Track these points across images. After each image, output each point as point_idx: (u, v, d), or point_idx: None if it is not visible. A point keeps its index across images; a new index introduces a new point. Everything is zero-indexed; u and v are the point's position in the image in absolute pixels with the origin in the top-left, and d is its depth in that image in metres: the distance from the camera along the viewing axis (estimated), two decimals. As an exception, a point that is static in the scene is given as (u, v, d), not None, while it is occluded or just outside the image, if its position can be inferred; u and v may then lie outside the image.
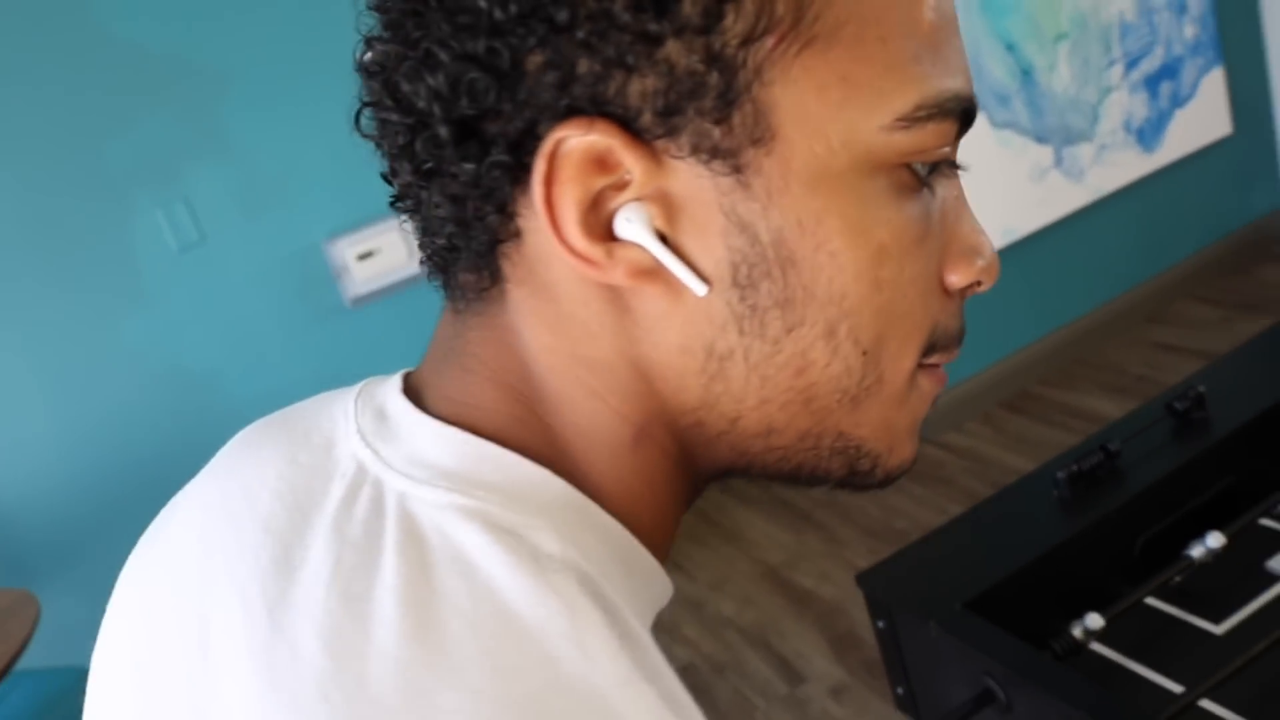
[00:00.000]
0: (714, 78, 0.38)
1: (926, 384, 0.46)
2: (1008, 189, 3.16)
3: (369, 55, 0.42)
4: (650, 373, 0.42)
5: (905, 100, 0.39)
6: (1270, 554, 1.04)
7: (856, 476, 0.47)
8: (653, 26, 0.37)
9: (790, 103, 0.38)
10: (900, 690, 1.16)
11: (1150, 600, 1.08)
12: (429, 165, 0.40)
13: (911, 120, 0.40)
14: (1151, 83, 3.36)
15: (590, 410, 0.43)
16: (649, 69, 0.37)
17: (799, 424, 0.44)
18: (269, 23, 2.39)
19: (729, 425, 0.44)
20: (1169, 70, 3.39)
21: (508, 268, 0.42)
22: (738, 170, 0.39)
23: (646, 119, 0.38)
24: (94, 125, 2.30)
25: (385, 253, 2.51)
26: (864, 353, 0.42)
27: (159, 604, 0.46)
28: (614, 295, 0.41)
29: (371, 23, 0.43)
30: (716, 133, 0.38)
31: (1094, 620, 0.98)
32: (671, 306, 0.41)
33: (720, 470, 0.47)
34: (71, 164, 2.29)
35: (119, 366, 2.35)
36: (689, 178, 0.39)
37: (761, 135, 0.39)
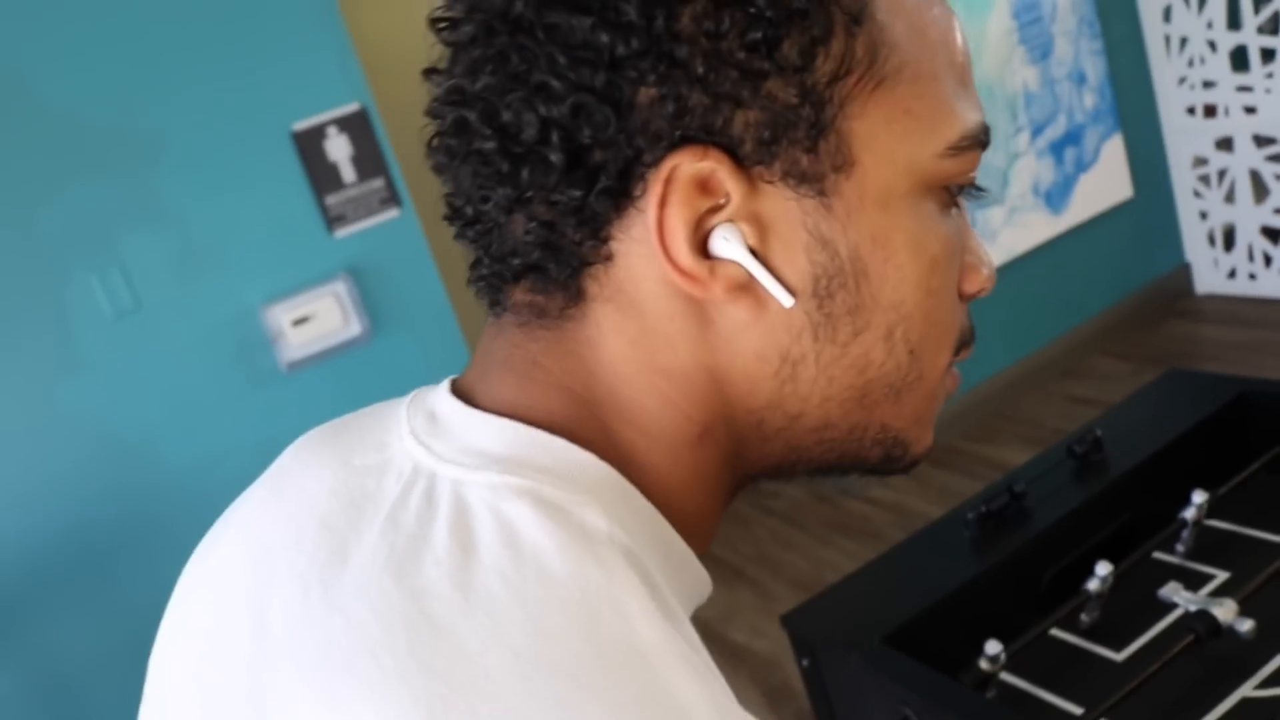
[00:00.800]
0: (807, 111, 0.43)
1: (949, 381, 0.53)
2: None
3: (450, 84, 0.45)
4: (724, 379, 0.46)
5: (954, 131, 0.46)
6: (1162, 584, 1.12)
7: (889, 462, 0.52)
8: (760, 65, 0.42)
9: (865, 133, 0.44)
10: (826, 727, 1.22)
11: (1055, 632, 1.15)
12: (529, 193, 0.43)
13: (957, 149, 0.46)
14: (1057, 149, 3.54)
15: (659, 414, 0.46)
16: (753, 103, 0.42)
17: (852, 418, 0.49)
18: (204, 88, 2.43)
19: (790, 422, 0.48)
20: (1072, 137, 3.57)
21: (593, 288, 0.45)
22: (822, 193, 0.44)
23: (748, 148, 0.43)
24: (27, 192, 2.31)
25: (320, 318, 2.54)
26: (911, 352, 0.48)
27: (216, 613, 0.48)
28: (699, 309, 0.45)
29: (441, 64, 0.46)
30: (805, 160, 0.44)
31: (993, 647, 1.04)
32: (754, 317, 0.45)
33: (769, 467, 0.50)
34: (3, 231, 2.30)
35: (53, 434, 2.34)
36: (779, 200, 0.44)
37: (842, 162, 0.44)
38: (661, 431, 0.47)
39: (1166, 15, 3.59)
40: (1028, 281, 3.55)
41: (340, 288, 2.55)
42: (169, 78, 2.40)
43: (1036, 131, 3.48)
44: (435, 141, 0.47)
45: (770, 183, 0.44)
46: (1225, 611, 1.03)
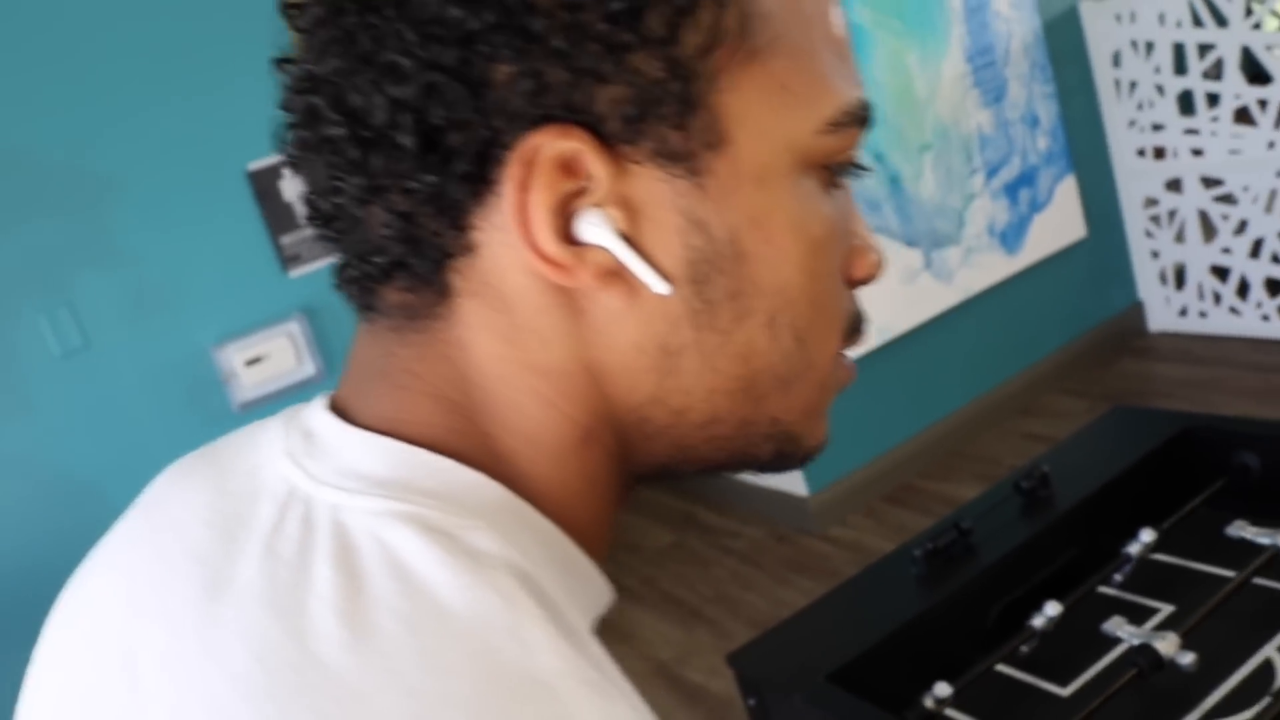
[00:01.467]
0: (675, 86, 0.40)
1: (842, 374, 0.50)
2: (881, 291, 3.31)
3: (300, 70, 0.43)
4: (603, 375, 0.44)
5: (832, 107, 0.44)
6: (1107, 618, 1.12)
7: (782, 458, 0.49)
8: (623, 37, 0.39)
9: (739, 109, 0.42)
10: (775, 769, 1.20)
11: (1001, 668, 1.15)
12: (382, 181, 0.41)
13: (836, 125, 0.44)
14: (1011, 190, 3.59)
15: (538, 416, 0.44)
16: (618, 78, 0.40)
17: (740, 411, 0.46)
18: (159, 128, 2.42)
19: (675, 418, 0.45)
20: (1026, 178, 3.62)
21: (459, 282, 0.42)
22: (694, 173, 0.42)
23: (614, 126, 0.40)
24: (-25, 233, 2.29)
25: (274, 358, 2.52)
26: (797, 339, 0.46)
27: (84, 653, 0.45)
28: (570, 301, 0.42)
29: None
30: (675, 138, 0.41)
31: (942, 689, 1.04)
32: (628, 307, 0.42)
33: (656, 467, 0.48)
34: (-50, 271, 2.27)
35: (0, 475, 2.30)
36: (648, 181, 0.41)
37: (715, 139, 0.42)
38: (544, 437, 0.44)
39: (1116, 60, 3.66)
40: (984, 321, 3.58)
41: (294, 328, 2.53)
42: (124, 117, 2.39)
43: (991, 173, 3.53)
44: (288, 134, 0.44)
45: (639, 163, 0.41)
46: (1167, 645, 1.03)
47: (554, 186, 0.40)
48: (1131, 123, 3.69)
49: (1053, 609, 1.11)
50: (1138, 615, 1.16)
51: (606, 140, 0.40)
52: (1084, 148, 3.76)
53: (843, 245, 0.48)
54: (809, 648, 1.18)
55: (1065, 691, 1.11)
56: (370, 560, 0.38)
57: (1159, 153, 3.66)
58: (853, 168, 0.48)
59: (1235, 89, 3.31)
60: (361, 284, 0.44)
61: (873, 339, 3.29)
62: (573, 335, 0.43)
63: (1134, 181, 3.76)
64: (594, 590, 0.47)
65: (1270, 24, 3.32)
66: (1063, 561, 1.26)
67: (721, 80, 0.42)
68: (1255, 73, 3.29)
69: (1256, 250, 3.45)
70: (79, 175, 2.36)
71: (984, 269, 3.55)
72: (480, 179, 0.40)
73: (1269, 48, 3.23)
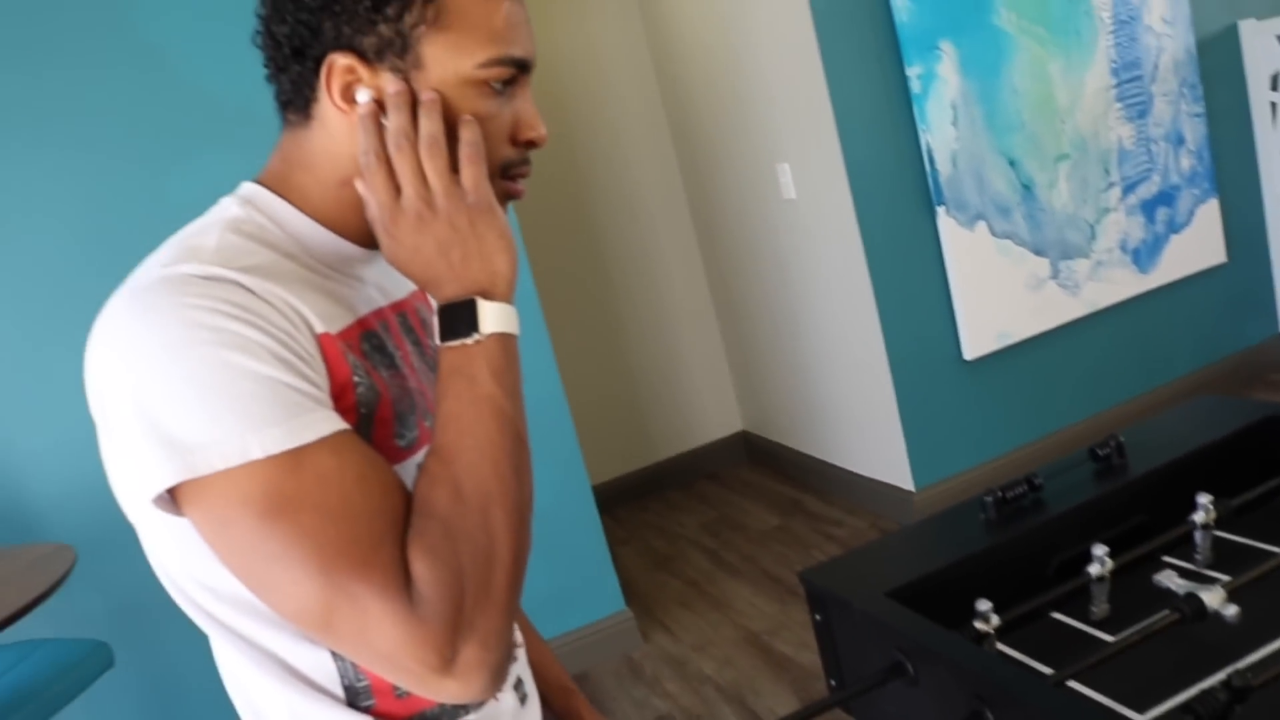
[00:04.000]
0: (399, 40, 0.84)
1: (511, 187, 0.93)
2: (1004, 295, 3.33)
3: (262, 12, 0.89)
4: (350, 158, 0.88)
5: (483, 55, 0.85)
6: (1160, 573, 1.18)
7: None
8: (374, 17, 0.83)
9: (430, 52, 0.84)
10: (833, 682, 1.29)
11: (1054, 615, 1.21)
12: (282, 66, 0.88)
13: (486, 65, 0.85)
14: (1148, 208, 3.55)
15: (324, 166, 0.90)
16: (373, 34, 0.84)
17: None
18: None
19: None
20: (1165, 198, 3.58)
21: (313, 111, 0.88)
22: (408, 78, 0.85)
23: (370, 55, 0.84)
24: (161, 161, 2.52)
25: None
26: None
27: None
28: (352, 126, 0.86)
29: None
30: (400, 63, 0.84)
31: (983, 604, 1.12)
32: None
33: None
34: (141, 198, 2.51)
35: None
36: (387, 79, 0.85)
37: (418, 65, 0.84)
38: (323, 177, 0.90)
39: (1275, 83, 3.59)
40: (1110, 337, 3.56)
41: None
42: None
43: (1128, 189, 3.51)
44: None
45: (382, 71, 0.85)
46: (1213, 597, 1.08)
47: (342, 77, 0.85)
48: (1284, 149, 3.61)
49: (1100, 549, 1.17)
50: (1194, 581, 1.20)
51: (366, 60, 0.85)
52: (1231, 172, 3.69)
53: (503, 121, 0.89)
54: (874, 570, 1.26)
55: (1112, 638, 1.17)
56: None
57: (1311, 182, 3.58)
58: (506, 83, 0.88)
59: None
60: (279, 108, 0.91)
61: (991, 342, 3.32)
62: (350, 140, 0.87)
63: (1282, 209, 3.68)
64: (331, 245, 0.92)
65: None
66: (1129, 526, 1.32)
67: (421, 39, 0.84)
68: None
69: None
70: (249, 116, 2.58)
71: (1113, 284, 3.52)
72: (316, 71, 0.86)
73: None
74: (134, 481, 0.77)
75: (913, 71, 3.18)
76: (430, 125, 0.85)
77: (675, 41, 4.18)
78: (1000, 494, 1.32)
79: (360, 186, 0.88)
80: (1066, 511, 1.30)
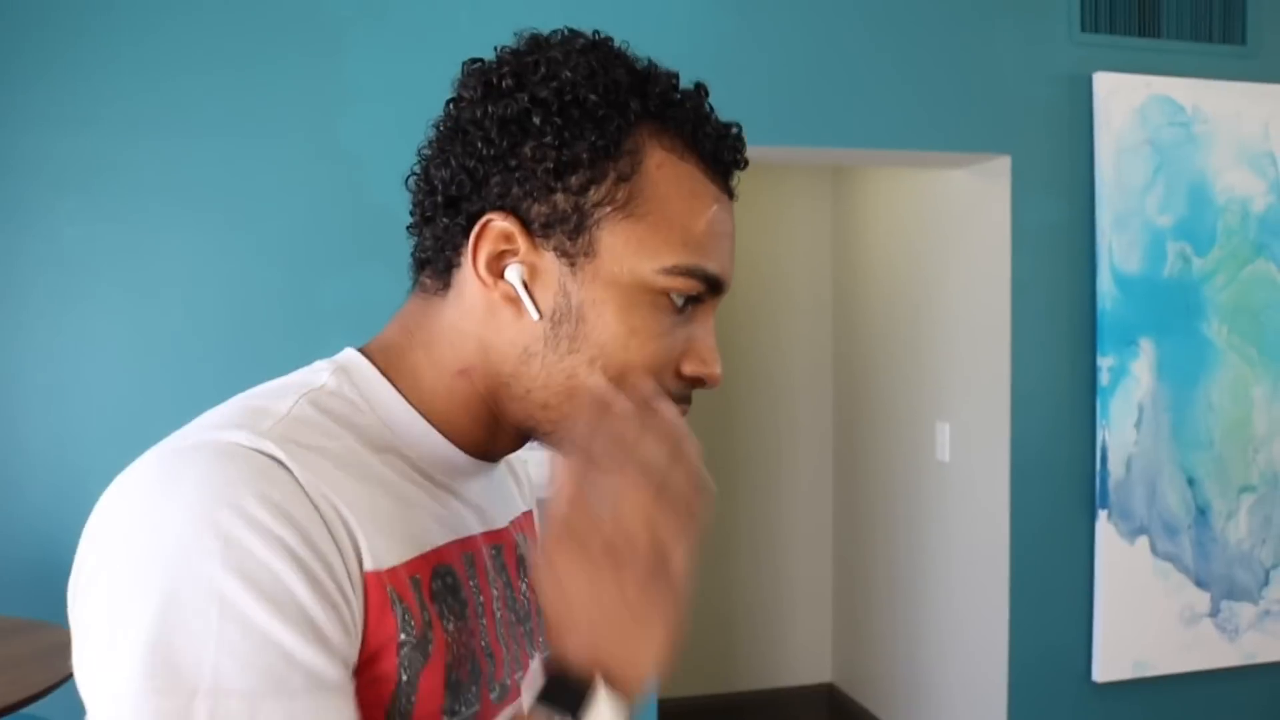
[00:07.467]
0: (575, 217, 0.72)
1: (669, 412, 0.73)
2: (1152, 621, 3.02)
3: (425, 152, 0.78)
4: (488, 347, 0.75)
5: (670, 260, 0.72)
6: None
7: None
8: (553, 184, 0.71)
9: (609, 240, 0.72)
10: None
11: None
12: (429, 215, 0.76)
13: (671, 272, 0.72)
14: (1334, 566, 3.20)
15: (445, 351, 0.77)
16: (545, 203, 0.72)
17: (564, 407, 0.74)
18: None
19: (524, 394, 0.75)
20: (1355, 559, 3.23)
21: (452, 279, 0.76)
22: (572, 265, 0.72)
23: (535, 226, 0.72)
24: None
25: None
26: (609, 378, 0.73)
27: None
28: (489, 305, 0.74)
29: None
30: (568, 244, 0.72)
31: None
32: (515, 319, 0.74)
33: (519, 422, 0.77)
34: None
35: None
36: (547, 259, 0.73)
37: (590, 252, 0.72)
38: (441, 361, 0.77)
39: None
40: (1270, 696, 3.18)
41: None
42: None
43: (1314, 539, 3.18)
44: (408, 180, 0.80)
45: (543, 248, 0.73)
46: None
47: (494, 243, 0.73)
48: None
49: None
50: None
51: (529, 230, 0.72)
52: None
53: (672, 344, 0.74)
54: None
55: None
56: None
57: None
58: (691, 300, 0.75)
59: None
60: (414, 267, 0.80)
61: (1126, 669, 2.99)
62: (483, 322, 0.75)
63: None
64: (429, 444, 0.77)
65: None
66: None
67: (603, 222, 0.72)
68: None
69: None
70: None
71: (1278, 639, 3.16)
72: (467, 231, 0.74)
73: None
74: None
75: (1104, 362, 2.97)
76: (684, 479, 0.67)
77: (860, 255, 4.09)
78: None
79: (550, 460, 0.72)
80: None
